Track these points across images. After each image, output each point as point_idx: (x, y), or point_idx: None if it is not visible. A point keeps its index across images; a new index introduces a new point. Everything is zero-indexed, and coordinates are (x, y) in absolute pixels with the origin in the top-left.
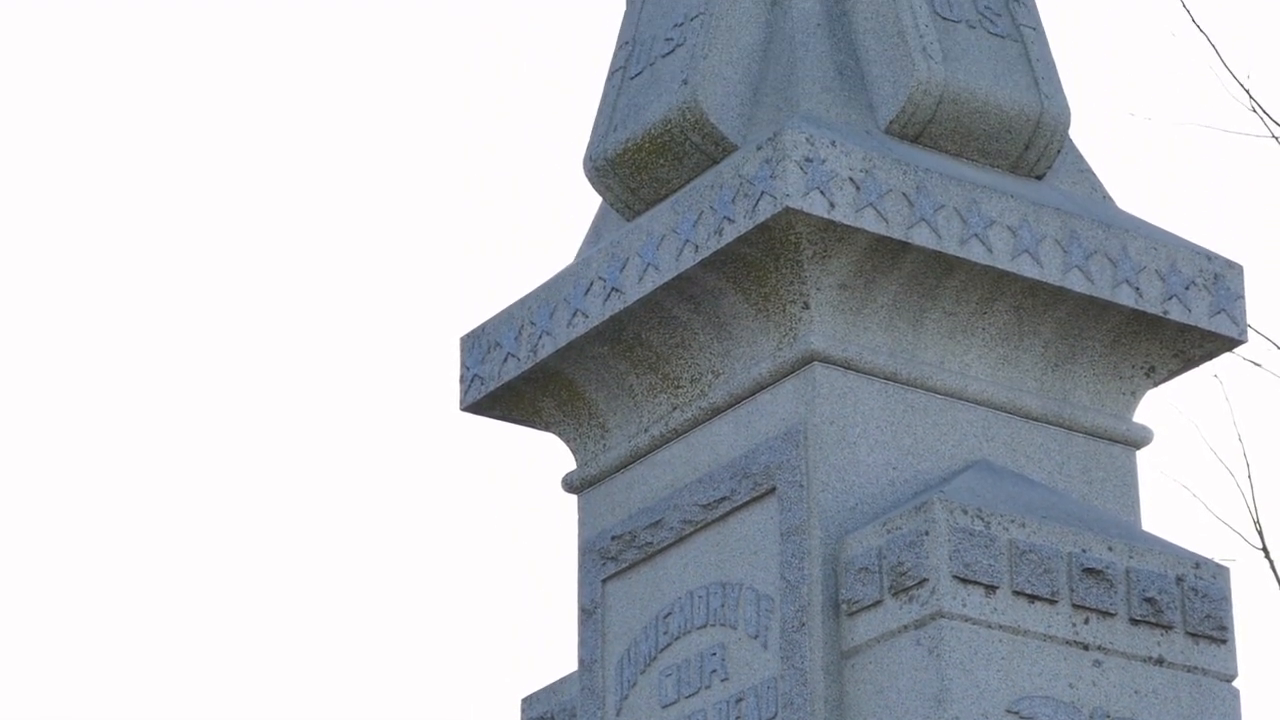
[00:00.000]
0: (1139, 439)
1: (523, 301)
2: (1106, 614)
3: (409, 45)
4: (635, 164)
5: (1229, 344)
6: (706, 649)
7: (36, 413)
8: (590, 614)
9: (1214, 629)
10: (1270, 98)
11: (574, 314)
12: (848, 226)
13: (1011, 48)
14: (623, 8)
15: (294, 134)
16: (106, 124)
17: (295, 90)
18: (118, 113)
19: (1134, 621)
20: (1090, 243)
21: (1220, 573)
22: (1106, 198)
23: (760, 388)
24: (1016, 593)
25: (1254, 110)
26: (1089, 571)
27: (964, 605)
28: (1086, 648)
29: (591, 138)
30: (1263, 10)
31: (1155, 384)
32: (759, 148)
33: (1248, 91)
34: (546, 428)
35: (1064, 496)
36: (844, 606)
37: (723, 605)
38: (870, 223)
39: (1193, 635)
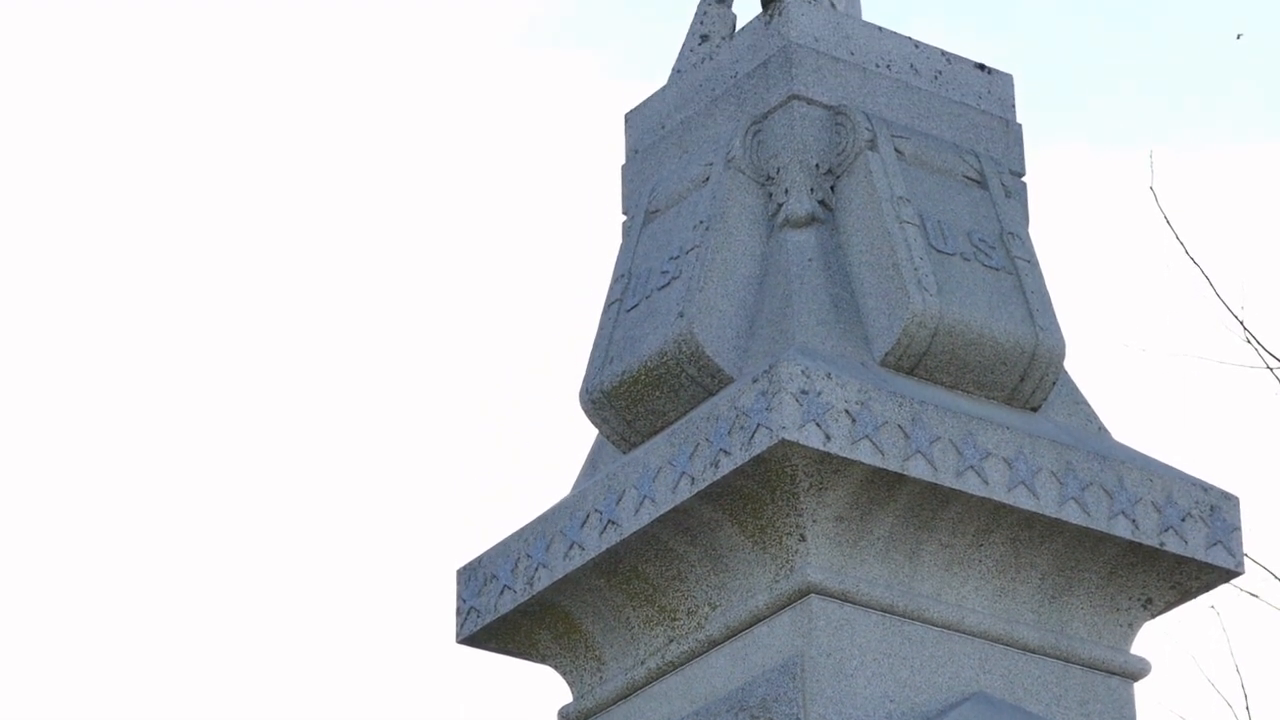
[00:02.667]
0: (1137, 671)
1: (519, 534)
2: None
3: (405, 274)
4: (631, 397)
5: (1226, 575)
6: None
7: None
8: None
9: None
10: (1264, 329)
11: (570, 546)
12: (844, 459)
13: (1006, 280)
14: (618, 241)
15: (295, 363)
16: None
17: (300, 320)
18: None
19: None
20: (1086, 474)
21: None
22: (1102, 429)
23: (757, 620)
24: None
25: (1248, 341)
26: None
27: None
28: None
29: (587, 370)
30: (1256, 243)
31: (1153, 616)
32: (755, 380)
33: (1241, 323)
34: (543, 660)
35: None
36: None
37: None
38: (866, 455)
39: None
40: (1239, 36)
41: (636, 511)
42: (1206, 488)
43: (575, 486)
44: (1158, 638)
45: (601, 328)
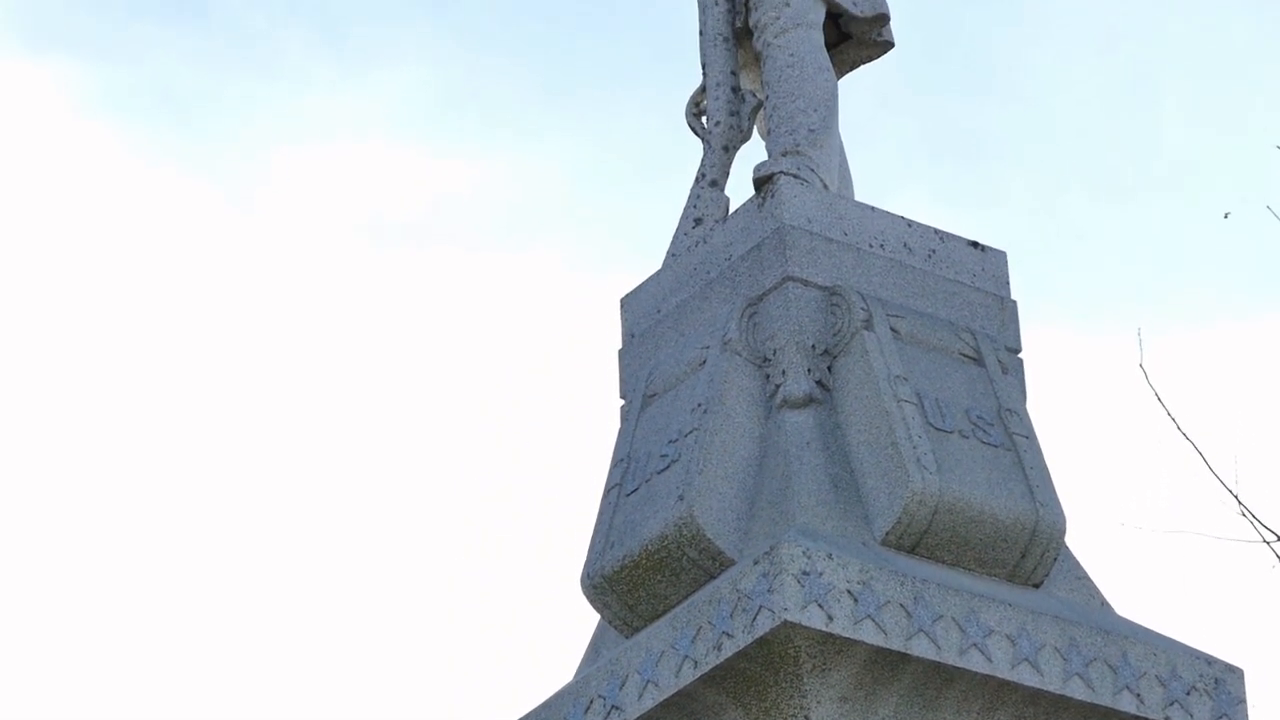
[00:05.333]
0: None
1: None
2: None
3: (398, 461)
4: (633, 581)
5: None
6: None
7: None
8: None
9: None
10: (1259, 502)
11: None
12: (847, 639)
13: (1005, 457)
14: (616, 425)
15: (293, 556)
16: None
17: (298, 509)
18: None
19: None
20: (1090, 650)
21: None
22: (1105, 604)
23: None
24: None
25: (1243, 515)
26: None
27: None
28: None
29: (588, 555)
30: (1246, 417)
31: None
32: (756, 562)
33: (1236, 498)
34: None
35: None
36: None
37: None
38: (869, 635)
39: None
40: (1226, 216)
41: (640, 696)
42: (1210, 660)
43: (578, 672)
44: None
45: (601, 513)
